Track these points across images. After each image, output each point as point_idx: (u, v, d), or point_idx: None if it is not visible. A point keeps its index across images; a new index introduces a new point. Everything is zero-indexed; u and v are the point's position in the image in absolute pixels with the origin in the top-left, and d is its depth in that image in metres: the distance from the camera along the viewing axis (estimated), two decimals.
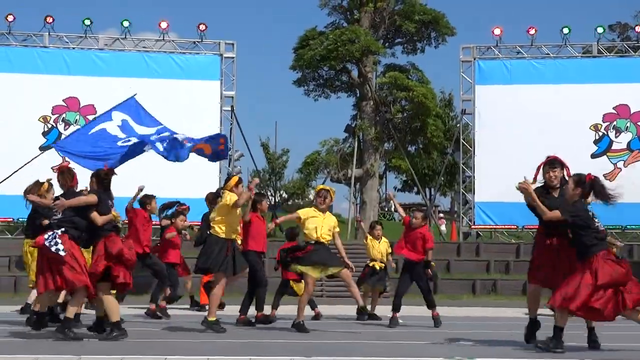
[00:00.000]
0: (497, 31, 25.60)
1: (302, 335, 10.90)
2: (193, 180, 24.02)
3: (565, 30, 25.43)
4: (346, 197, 39.01)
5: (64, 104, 25.09)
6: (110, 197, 10.36)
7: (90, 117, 25.18)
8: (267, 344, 9.80)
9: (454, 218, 27.76)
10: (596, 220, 9.02)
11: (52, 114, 25.04)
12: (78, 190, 10.84)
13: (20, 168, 20.54)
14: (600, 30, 25.65)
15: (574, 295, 8.77)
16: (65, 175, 10.62)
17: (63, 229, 9.92)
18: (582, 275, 8.82)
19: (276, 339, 10.54)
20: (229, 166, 26.37)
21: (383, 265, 14.63)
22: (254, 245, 12.87)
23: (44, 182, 12.63)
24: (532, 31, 25.54)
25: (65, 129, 25.03)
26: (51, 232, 9.90)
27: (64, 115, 25.17)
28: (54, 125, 25.11)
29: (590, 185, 9.25)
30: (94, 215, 10.04)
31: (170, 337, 10.87)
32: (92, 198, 10.11)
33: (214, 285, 11.65)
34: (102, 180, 10.50)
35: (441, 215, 35.96)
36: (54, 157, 23.83)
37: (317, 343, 10.15)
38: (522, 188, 9.37)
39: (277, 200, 40.05)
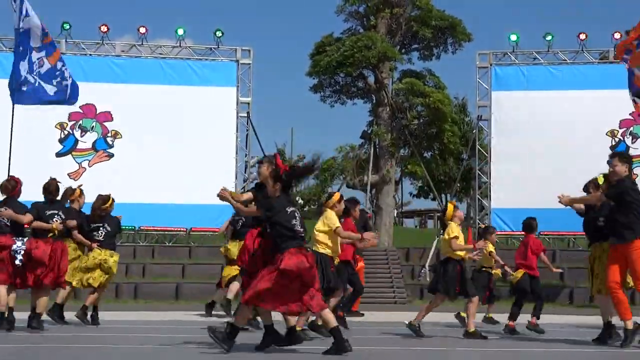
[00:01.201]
0: (513, 37, 25.62)
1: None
2: (208, 186, 23.67)
3: (582, 36, 25.39)
4: (362, 203, 39.02)
5: (80, 110, 25.06)
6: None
7: (107, 124, 25.88)
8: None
9: (470, 224, 27.77)
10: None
11: (69, 121, 25.14)
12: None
13: None
14: (617, 36, 24.94)
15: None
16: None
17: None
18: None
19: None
20: (244, 172, 26.50)
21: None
22: (342, 255, 12.69)
23: (75, 189, 13.70)
24: (549, 37, 25.51)
25: (81, 136, 25.36)
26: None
27: (80, 122, 25.31)
28: (71, 132, 25.26)
29: (287, 174, 9.44)
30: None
31: None
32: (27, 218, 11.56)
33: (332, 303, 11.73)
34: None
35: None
36: (70, 164, 25.02)
37: None
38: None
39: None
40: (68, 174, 24.53)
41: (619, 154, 10.70)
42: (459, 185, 36.07)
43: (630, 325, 10.11)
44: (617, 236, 10.06)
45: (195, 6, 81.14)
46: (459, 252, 11.87)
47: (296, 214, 9.24)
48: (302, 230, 9.51)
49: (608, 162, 10.29)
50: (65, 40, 25.37)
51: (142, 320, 15.04)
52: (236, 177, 25.54)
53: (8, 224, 11.86)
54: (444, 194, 42.80)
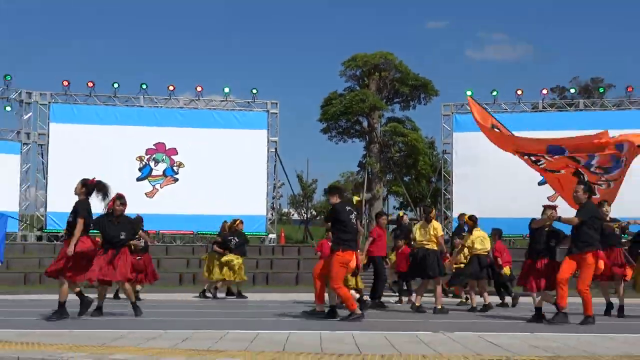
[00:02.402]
0: (469, 92, 24.43)
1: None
2: (247, 201, 23.95)
3: (519, 92, 25.24)
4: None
5: (154, 147, 25.32)
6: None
7: (173, 157, 25.18)
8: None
9: None
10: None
11: (146, 155, 25.29)
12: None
13: None
14: (544, 91, 25.68)
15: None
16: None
17: None
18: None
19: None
20: (273, 191, 26.55)
21: None
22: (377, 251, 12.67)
23: (237, 220, 15.64)
24: (495, 92, 25.39)
25: (155, 165, 25.22)
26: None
27: (154, 155, 25.34)
28: (147, 163, 25.27)
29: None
30: None
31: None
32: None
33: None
34: None
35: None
36: (147, 186, 24.97)
37: None
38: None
39: (308, 216, 39.32)
40: (145, 194, 24.67)
41: (584, 182, 10.04)
42: (429, 200, 35.58)
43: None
44: (577, 247, 9.38)
45: (237, 71, 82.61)
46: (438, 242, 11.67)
47: None
48: None
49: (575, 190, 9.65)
50: (143, 97, 25.59)
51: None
52: (267, 195, 25.73)
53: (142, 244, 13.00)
54: (418, 207, 40.93)
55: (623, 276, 10.71)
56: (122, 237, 10.06)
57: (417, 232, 11.78)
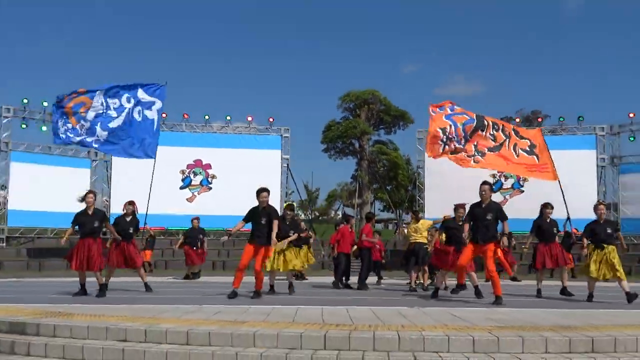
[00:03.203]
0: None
1: None
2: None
3: None
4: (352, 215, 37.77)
5: (193, 162, 25.08)
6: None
7: (208, 171, 24.72)
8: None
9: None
10: None
11: (187, 169, 25.02)
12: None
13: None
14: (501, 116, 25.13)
15: None
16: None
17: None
18: None
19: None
20: (285, 197, 26.21)
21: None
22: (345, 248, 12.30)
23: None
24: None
25: (194, 177, 24.85)
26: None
27: (193, 169, 25.10)
28: (188, 175, 25.02)
29: None
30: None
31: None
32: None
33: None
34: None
35: (405, 225, 34.35)
36: (187, 193, 24.56)
37: None
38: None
39: (312, 216, 38.81)
40: (186, 199, 24.48)
41: (489, 183, 9.11)
42: (406, 204, 35.69)
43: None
44: (483, 239, 8.72)
45: (258, 103, 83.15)
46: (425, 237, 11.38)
47: None
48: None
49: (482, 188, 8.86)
50: (185, 124, 25.43)
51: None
52: (280, 200, 24.67)
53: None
54: (398, 209, 40.47)
55: (566, 264, 10.61)
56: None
57: (410, 230, 11.65)
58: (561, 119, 24.24)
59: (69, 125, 12.72)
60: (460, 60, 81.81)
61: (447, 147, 13.41)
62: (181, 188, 24.84)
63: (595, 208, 9.45)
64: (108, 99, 12.86)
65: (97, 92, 12.81)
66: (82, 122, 12.86)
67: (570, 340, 5.13)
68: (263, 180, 23.58)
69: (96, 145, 13.32)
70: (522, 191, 23.49)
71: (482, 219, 8.67)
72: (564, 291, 10.18)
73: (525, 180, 23.14)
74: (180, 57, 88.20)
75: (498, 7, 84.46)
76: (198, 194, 24.90)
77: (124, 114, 13.25)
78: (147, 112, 13.59)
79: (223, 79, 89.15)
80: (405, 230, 14.55)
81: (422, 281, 11.98)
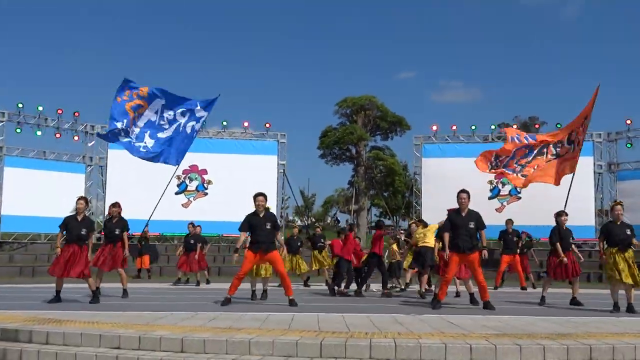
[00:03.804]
0: (434, 127, 24.86)
1: None
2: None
3: (473, 127, 24.91)
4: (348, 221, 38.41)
5: (189, 168, 24.52)
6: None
7: (204, 176, 24.30)
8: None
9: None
10: None
11: (182, 174, 24.45)
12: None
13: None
14: (492, 127, 25.22)
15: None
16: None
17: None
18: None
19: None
20: (281, 203, 26.10)
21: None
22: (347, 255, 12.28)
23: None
24: (454, 127, 24.93)
25: (189, 182, 24.40)
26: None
27: (189, 175, 24.66)
28: (183, 180, 24.54)
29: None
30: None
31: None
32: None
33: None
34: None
35: (401, 231, 35.57)
36: (183, 199, 24.07)
37: None
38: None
39: (308, 222, 38.06)
40: (182, 204, 24.04)
41: (467, 192, 9.20)
42: (403, 211, 35.61)
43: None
44: (469, 248, 8.82)
45: (254, 109, 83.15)
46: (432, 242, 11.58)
47: None
48: None
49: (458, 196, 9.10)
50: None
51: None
52: (276, 206, 24.34)
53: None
54: (395, 216, 41.27)
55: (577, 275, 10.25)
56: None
57: (419, 236, 11.76)
58: (558, 125, 23.77)
59: (125, 127, 12.52)
60: (457, 67, 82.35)
61: (496, 168, 14.00)
62: (177, 193, 24.38)
63: (612, 209, 9.05)
64: (165, 110, 12.67)
65: (157, 100, 12.57)
66: (134, 127, 12.78)
67: (568, 348, 5.12)
68: (259, 185, 22.88)
69: (144, 151, 13.11)
70: (519, 197, 23.38)
71: (464, 227, 8.75)
72: (574, 301, 9.98)
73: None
74: (175, 64, 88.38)
75: (495, 14, 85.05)
76: (194, 199, 24.58)
77: (174, 126, 13.14)
78: (197, 125, 13.53)
79: (220, 85, 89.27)
80: (395, 247, 14.56)
81: (423, 287, 11.90)
